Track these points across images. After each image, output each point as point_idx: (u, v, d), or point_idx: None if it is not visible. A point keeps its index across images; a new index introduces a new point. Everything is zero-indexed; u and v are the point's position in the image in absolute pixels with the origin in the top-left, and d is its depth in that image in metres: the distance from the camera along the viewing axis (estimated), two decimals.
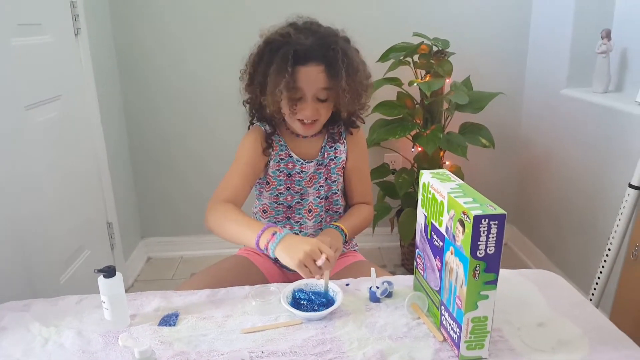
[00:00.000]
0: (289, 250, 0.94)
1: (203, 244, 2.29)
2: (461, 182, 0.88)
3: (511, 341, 0.87)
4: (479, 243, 0.75)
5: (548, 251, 2.11)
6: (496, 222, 0.75)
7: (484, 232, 0.75)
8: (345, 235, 1.14)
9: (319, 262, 0.91)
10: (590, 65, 1.86)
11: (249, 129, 1.22)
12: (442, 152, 2.01)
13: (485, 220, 0.74)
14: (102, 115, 1.87)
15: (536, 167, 2.18)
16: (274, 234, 0.97)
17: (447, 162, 2.07)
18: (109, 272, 0.90)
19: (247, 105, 1.18)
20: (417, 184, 2.03)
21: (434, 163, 1.92)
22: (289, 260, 0.93)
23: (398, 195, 2.00)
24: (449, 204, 0.82)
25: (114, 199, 1.94)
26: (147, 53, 2.10)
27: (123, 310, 0.93)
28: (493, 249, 0.76)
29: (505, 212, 0.75)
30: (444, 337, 0.87)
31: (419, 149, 1.98)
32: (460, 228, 0.78)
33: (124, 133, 2.17)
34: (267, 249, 0.97)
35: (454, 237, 0.80)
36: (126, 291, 2.02)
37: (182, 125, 2.20)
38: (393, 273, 2.16)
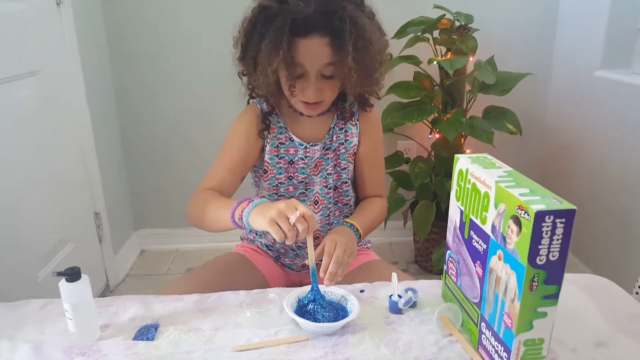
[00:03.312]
0: (262, 211, 0.79)
1: (200, 237, 2.12)
2: (510, 168, 0.71)
3: None
4: (540, 247, 0.58)
5: (576, 249, 1.94)
6: (563, 219, 0.58)
7: (547, 233, 0.58)
8: (360, 236, 0.97)
9: (292, 218, 0.76)
10: (630, 43, 1.67)
11: (248, 103, 1.05)
12: (462, 139, 1.83)
13: (549, 218, 0.57)
14: (89, 94, 1.70)
15: (565, 156, 2.00)
16: (249, 202, 0.83)
17: (467, 151, 1.89)
18: (72, 274, 0.74)
19: (243, 78, 1.00)
20: (434, 173, 1.90)
21: (454, 151, 1.74)
22: (261, 220, 0.78)
23: (413, 187, 1.83)
24: (497, 195, 0.65)
25: (102, 187, 1.78)
26: (140, 26, 1.92)
27: (91, 320, 0.77)
28: (557, 254, 0.59)
29: (575, 207, 0.58)
30: None
31: (437, 135, 1.80)
32: (514, 227, 0.60)
33: (114, 115, 2.00)
34: (241, 219, 0.83)
35: (503, 238, 0.63)
36: (116, 287, 1.83)
37: (178, 107, 2.03)
38: (405, 271, 1.99)
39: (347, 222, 0.98)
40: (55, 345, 0.76)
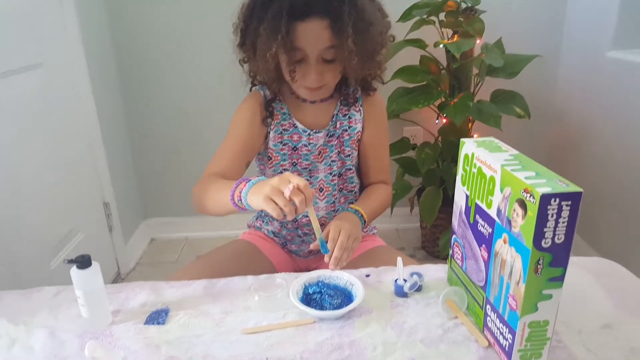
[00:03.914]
0: (258, 189, 0.77)
1: (209, 225, 2.15)
2: (516, 152, 0.70)
3: (572, 348, 0.71)
4: (545, 230, 0.58)
5: (585, 232, 1.92)
6: (569, 202, 0.58)
7: (552, 216, 0.58)
8: (365, 222, 0.97)
9: (286, 192, 0.73)
10: None
11: (250, 90, 1.05)
12: (469, 124, 1.81)
13: (555, 201, 0.57)
14: (94, 85, 1.71)
15: (575, 140, 1.97)
16: (247, 182, 0.81)
17: (475, 135, 1.87)
18: (83, 262, 0.75)
19: (244, 65, 1.00)
20: (441, 159, 1.89)
21: (461, 136, 1.72)
22: (256, 199, 0.77)
23: (419, 173, 1.82)
24: (502, 179, 0.64)
25: (110, 177, 1.80)
26: (143, 15, 1.91)
27: (102, 306, 0.79)
28: (563, 237, 0.59)
29: (581, 190, 0.58)
30: (489, 342, 0.71)
31: (444, 120, 1.78)
32: (519, 210, 0.60)
33: (120, 105, 2.00)
34: (241, 200, 0.81)
35: (509, 221, 0.63)
36: (127, 275, 1.86)
37: (184, 95, 2.03)
38: (412, 256, 2.00)
39: (352, 208, 0.98)
40: (69, 330, 0.78)
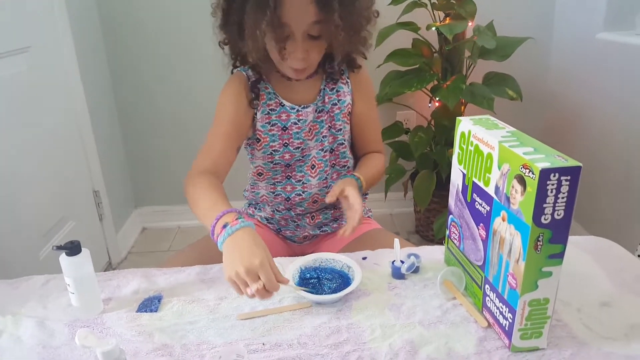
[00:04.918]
0: (229, 258, 0.73)
1: None
2: (513, 129, 0.69)
3: (572, 326, 0.71)
4: (544, 205, 0.57)
5: (578, 214, 1.93)
6: (568, 177, 0.57)
7: (552, 191, 0.57)
8: (362, 188, 0.98)
9: (250, 291, 0.69)
10: (633, 3, 1.62)
11: (232, 73, 1.02)
12: (462, 107, 1.80)
13: (554, 175, 0.56)
14: (82, 69, 1.66)
15: (567, 121, 1.97)
16: (224, 226, 0.76)
17: None
18: (72, 248, 0.73)
19: (225, 47, 0.97)
20: (434, 142, 1.88)
21: (454, 119, 1.72)
22: (225, 268, 0.73)
23: (413, 157, 1.81)
24: (500, 156, 0.63)
25: (99, 164, 1.76)
26: None
27: (93, 294, 0.77)
28: (562, 213, 0.58)
29: (580, 164, 0.57)
30: (488, 322, 0.71)
31: (437, 103, 1.77)
32: (518, 187, 0.59)
33: (109, 89, 1.95)
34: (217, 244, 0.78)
35: (507, 198, 0.62)
36: (118, 264, 1.83)
37: (176, 80, 1.98)
38: (407, 240, 2.00)
39: (354, 175, 0.97)
40: (58, 319, 0.76)
